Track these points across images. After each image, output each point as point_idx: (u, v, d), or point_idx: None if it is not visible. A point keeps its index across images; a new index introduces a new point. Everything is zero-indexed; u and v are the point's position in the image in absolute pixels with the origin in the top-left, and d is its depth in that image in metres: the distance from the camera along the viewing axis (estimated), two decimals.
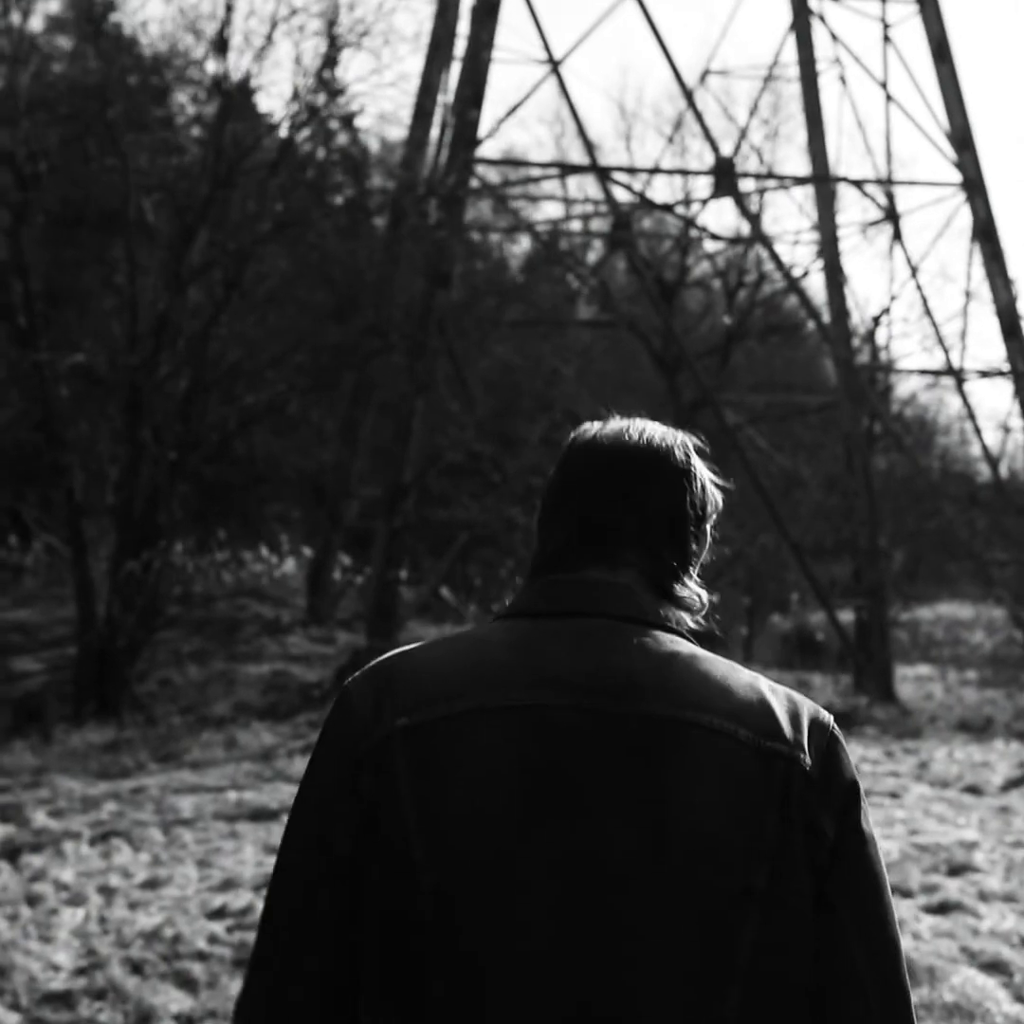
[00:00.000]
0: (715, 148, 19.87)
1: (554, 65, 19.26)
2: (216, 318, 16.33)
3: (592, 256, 26.30)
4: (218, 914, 8.27)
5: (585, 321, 25.35)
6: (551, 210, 27.49)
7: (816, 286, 30.54)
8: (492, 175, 22.14)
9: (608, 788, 1.87)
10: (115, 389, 16.82)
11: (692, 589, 2.12)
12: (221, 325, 16.51)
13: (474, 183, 19.32)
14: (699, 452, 2.19)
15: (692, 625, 2.11)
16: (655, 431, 2.16)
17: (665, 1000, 1.84)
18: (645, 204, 21.50)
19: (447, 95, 20.08)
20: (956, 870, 9.36)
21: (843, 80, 21.68)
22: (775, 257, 20.88)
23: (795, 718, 1.96)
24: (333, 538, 21.59)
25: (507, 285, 22.78)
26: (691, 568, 2.12)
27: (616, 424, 2.19)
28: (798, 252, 42.83)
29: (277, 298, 17.92)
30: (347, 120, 27.16)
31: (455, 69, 20.38)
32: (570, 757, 1.88)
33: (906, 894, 8.71)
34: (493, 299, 20.01)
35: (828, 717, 2.01)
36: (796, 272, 23.05)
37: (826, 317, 21.72)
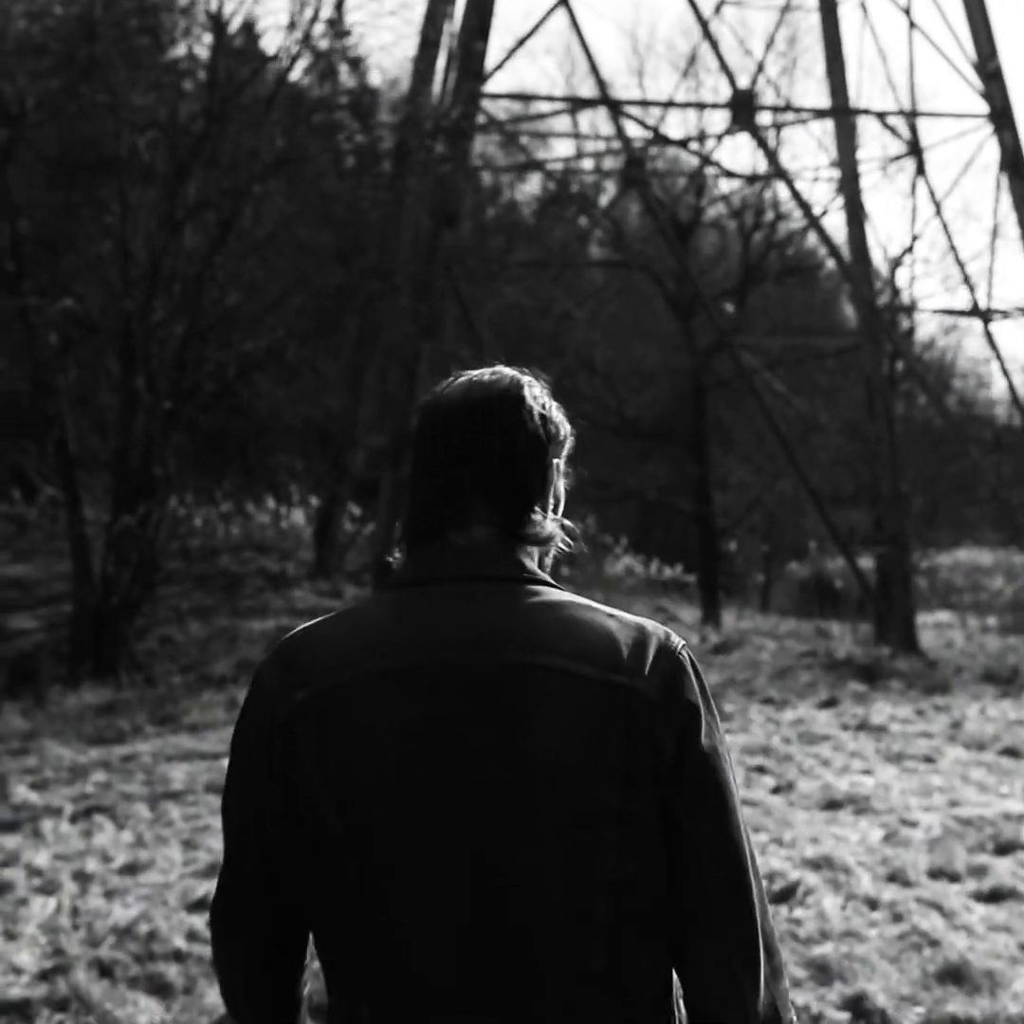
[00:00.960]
0: (732, 80, 18.85)
1: None
2: (211, 260, 15.42)
3: (604, 197, 25.27)
4: (199, 905, 7.46)
5: (597, 262, 24.41)
6: (561, 149, 26.46)
7: (835, 225, 29.55)
8: (500, 114, 21.12)
9: (475, 731, 2.10)
10: (108, 335, 15.95)
11: (544, 523, 2.25)
12: (217, 268, 15.59)
13: (480, 118, 18.32)
14: (534, 384, 2.30)
15: (550, 552, 2.30)
16: (485, 379, 2.28)
17: (543, 912, 2.08)
18: (659, 140, 20.48)
19: (452, 25, 19.04)
20: (1004, 848, 8.52)
21: (864, 8, 20.59)
22: (795, 193, 19.87)
23: (640, 648, 2.14)
24: (339, 488, 20.73)
25: (516, 225, 21.76)
26: (541, 503, 2.25)
27: (454, 381, 2.31)
28: (817, 190, 41.74)
29: (277, 240, 16.97)
30: (354, 62, 26.20)
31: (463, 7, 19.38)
32: (441, 707, 2.11)
33: (954, 877, 7.89)
34: (501, 239, 19.04)
35: (677, 643, 2.19)
36: (816, 210, 22.03)
37: (846, 256, 20.72)
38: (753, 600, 29.71)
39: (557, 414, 2.32)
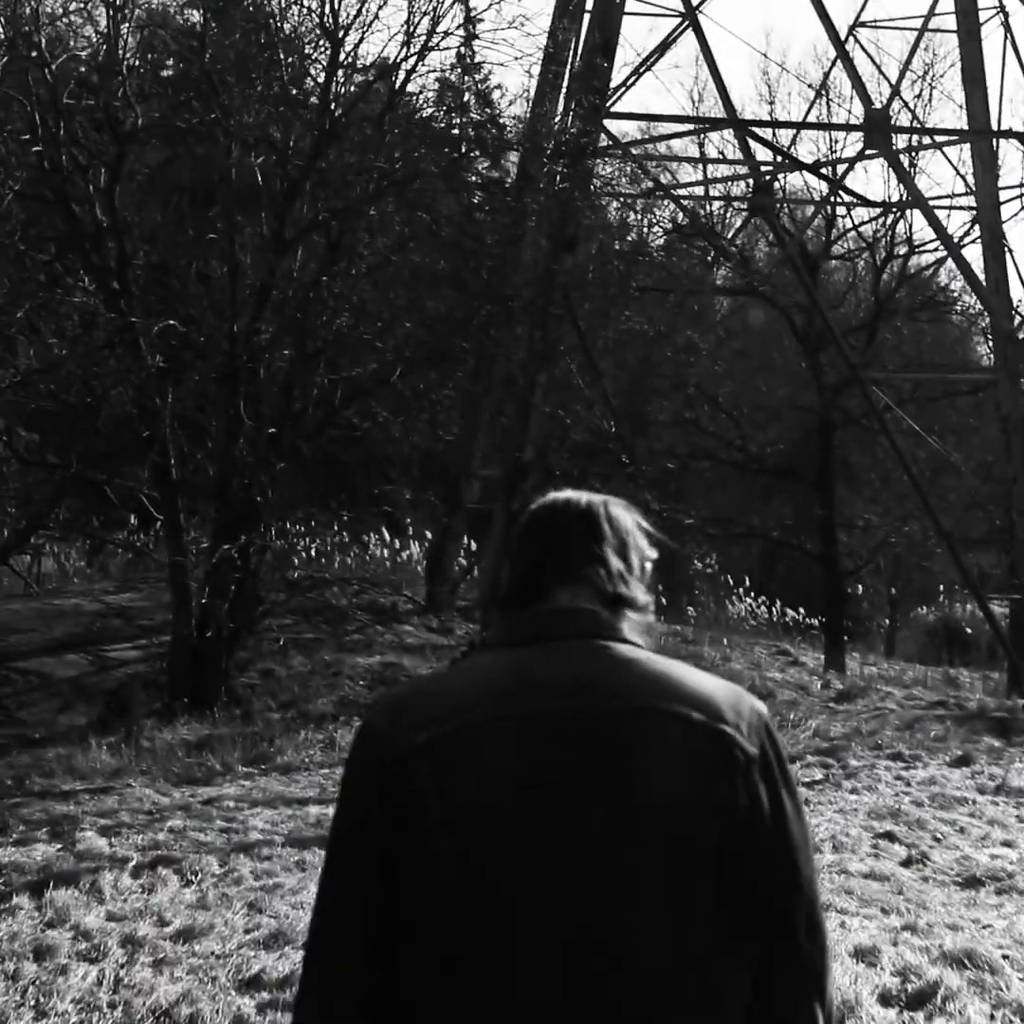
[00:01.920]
0: (867, 101, 17.72)
1: (691, 12, 17.27)
2: (319, 282, 14.60)
3: (731, 227, 24.19)
4: (250, 985, 6.52)
5: (722, 290, 23.27)
6: (687, 175, 25.41)
7: (972, 255, 28.14)
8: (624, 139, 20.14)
9: (586, 770, 2.24)
10: (212, 358, 15.19)
11: (641, 594, 2.47)
12: (325, 290, 14.76)
13: (603, 140, 17.37)
14: (621, 505, 2.56)
15: (641, 626, 2.46)
16: (590, 494, 2.56)
17: (647, 940, 2.21)
18: (788, 163, 19.38)
19: (577, 43, 18.13)
20: None
21: (1007, 27, 19.38)
22: (931, 220, 18.67)
23: (737, 704, 2.33)
24: (453, 521, 19.82)
25: (637, 250, 20.72)
26: (636, 578, 2.48)
27: (555, 494, 2.58)
28: (953, 219, 40.23)
29: (390, 263, 16.12)
30: (482, 96, 25.43)
31: (587, 23, 18.48)
32: (555, 749, 2.25)
33: None
34: (621, 264, 18.03)
35: (762, 706, 2.39)
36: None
37: (984, 287, 19.46)
38: (878, 645, 28.37)
39: (642, 536, 2.54)
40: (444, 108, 19.44)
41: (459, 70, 25.23)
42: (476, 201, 17.69)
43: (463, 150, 20.21)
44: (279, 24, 16.36)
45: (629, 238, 22.71)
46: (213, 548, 14.91)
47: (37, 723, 14.90)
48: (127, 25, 16.41)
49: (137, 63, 19.52)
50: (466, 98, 22.95)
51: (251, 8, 17.79)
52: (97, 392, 15.49)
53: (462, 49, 27.09)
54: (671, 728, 2.25)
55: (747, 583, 27.22)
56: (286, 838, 9.60)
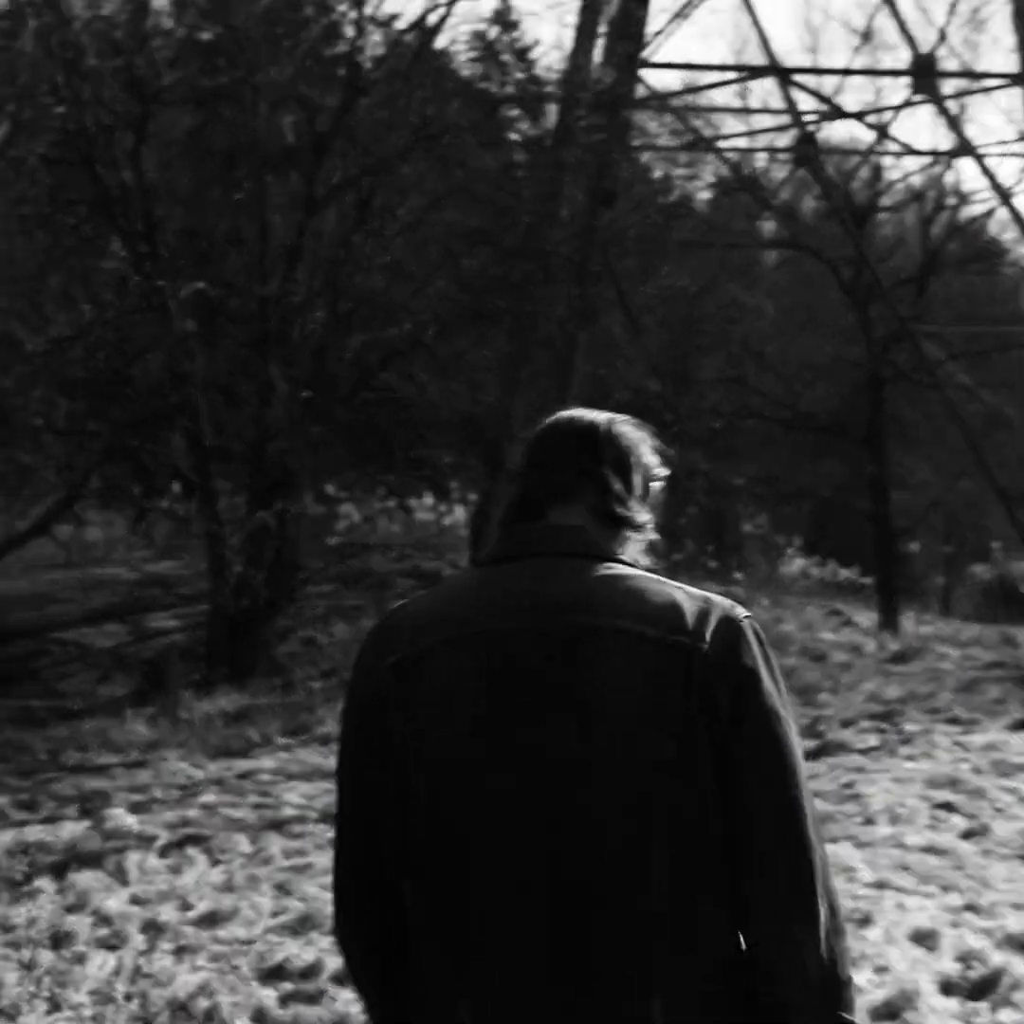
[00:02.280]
0: (913, 45, 17.13)
1: None
2: (349, 241, 14.20)
3: (774, 179, 23.55)
4: (275, 974, 6.18)
5: (766, 243, 22.68)
6: (728, 127, 24.75)
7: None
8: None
9: (545, 686, 2.26)
10: (243, 321, 14.84)
11: (639, 512, 2.45)
12: (356, 250, 14.35)
13: (640, 91, 16.84)
14: (629, 423, 2.53)
15: (640, 545, 2.46)
16: (588, 412, 2.53)
17: (606, 857, 2.20)
18: (834, 112, 18.79)
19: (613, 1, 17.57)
20: None
21: None
22: (983, 167, 18.09)
23: (703, 615, 2.28)
24: (494, 485, 19.39)
25: (678, 204, 20.13)
26: (636, 497, 2.45)
27: (562, 413, 2.56)
28: (1004, 168, 39.36)
29: (424, 221, 15.69)
30: (520, 53, 24.89)
31: None
32: (515, 666, 2.28)
33: None
34: (660, 217, 17.49)
35: (740, 613, 2.33)
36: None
37: None
38: (933, 604, 27.82)
39: (649, 451, 2.51)
40: (480, 64, 18.98)
41: (498, 27, 24.73)
42: (513, 157, 17.19)
43: (500, 107, 19.74)
44: None
45: (671, 194, 22.15)
46: (248, 515, 14.60)
47: (75, 694, 14.66)
48: None
49: (170, 25, 19.20)
50: (503, 56, 22.48)
51: None
52: (127, 358, 15.19)
53: (498, 6, 26.55)
54: (622, 644, 2.25)
55: (798, 543, 26.77)
56: (320, 813, 9.25)
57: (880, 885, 7.61)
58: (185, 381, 14.27)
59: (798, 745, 2.28)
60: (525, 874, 2.21)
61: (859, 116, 19.72)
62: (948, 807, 9.48)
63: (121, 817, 9.13)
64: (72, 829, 8.87)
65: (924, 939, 6.62)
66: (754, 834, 2.22)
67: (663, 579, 2.35)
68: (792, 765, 2.25)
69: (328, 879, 7.12)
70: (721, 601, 2.33)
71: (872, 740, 12.15)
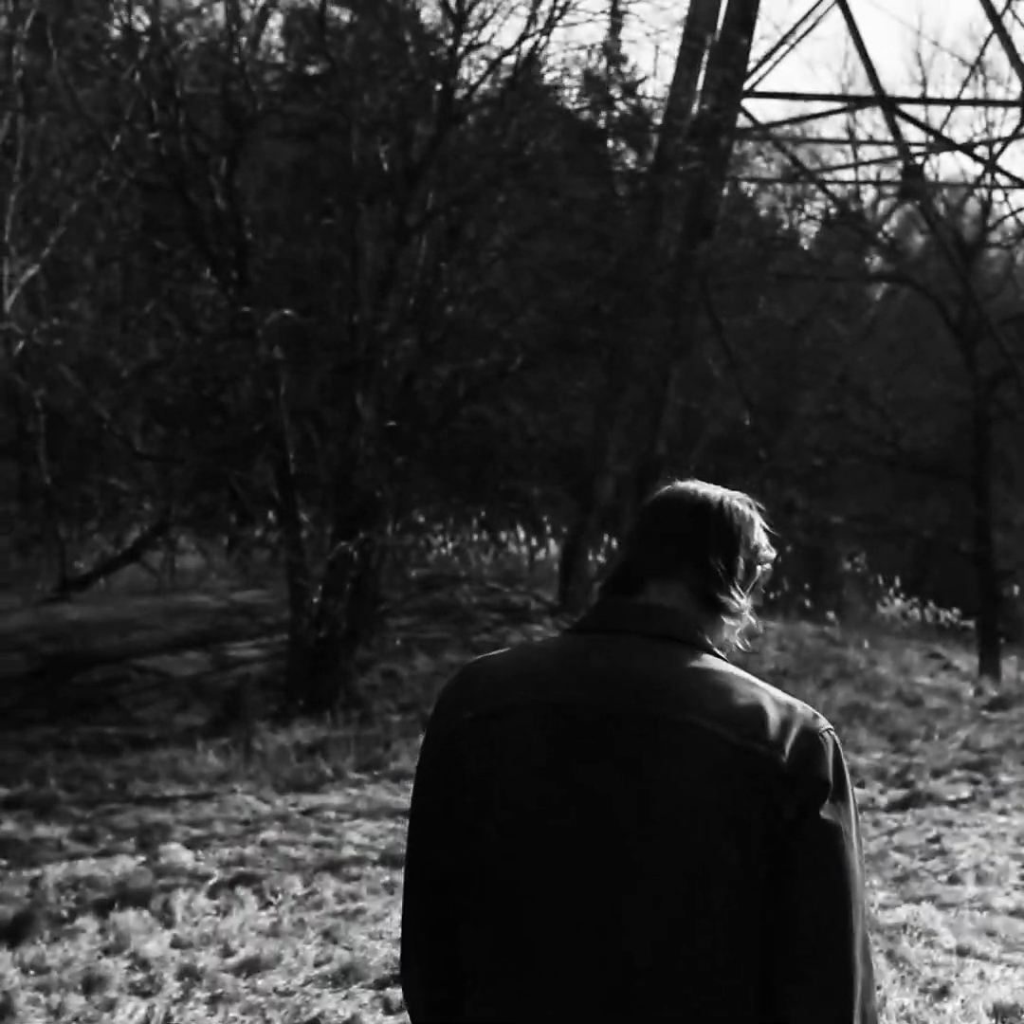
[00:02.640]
0: (1022, 74, 16.56)
1: None
2: (438, 270, 13.91)
3: (880, 212, 22.99)
4: None
5: (869, 276, 22.08)
6: (833, 159, 24.18)
7: None
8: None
9: (608, 772, 2.23)
10: (332, 348, 14.61)
11: (739, 599, 2.40)
12: (445, 278, 14.07)
13: (742, 121, 16.42)
14: (745, 502, 2.50)
15: (735, 631, 2.44)
16: (703, 486, 2.48)
17: (654, 938, 2.19)
18: (941, 144, 18.23)
19: (716, 23, 17.18)
20: None
21: None
22: None
23: (786, 724, 2.23)
24: (587, 519, 19.01)
25: (774, 233, 19.61)
26: (738, 581, 2.40)
27: (679, 484, 2.53)
28: None
29: (517, 250, 15.37)
30: (629, 88, 24.57)
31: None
32: (584, 742, 2.25)
33: None
34: (758, 248, 17.03)
35: (823, 726, 2.28)
36: None
37: None
38: None
39: (759, 531, 2.47)
40: (588, 99, 18.63)
41: (605, 61, 24.45)
42: (613, 187, 16.85)
43: (608, 141, 19.40)
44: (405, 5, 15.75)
45: (775, 227, 21.65)
46: (331, 545, 14.33)
47: (153, 723, 14.45)
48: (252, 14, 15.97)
49: (281, 59, 19.14)
50: (612, 90, 22.14)
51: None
52: (217, 384, 15.03)
53: (607, 40, 26.23)
54: (699, 742, 2.22)
55: (899, 583, 26.08)
56: (381, 855, 8.92)
57: (961, 951, 7.12)
58: (270, 408, 14.06)
59: (860, 866, 2.25)
60: (579, 944, 2.21)
61: (967, 148, 19.13)
62: None
63: (177, 853, 8.86)
64: (125, 865, 8.61)
65: (1006, 1015, 6.13)
66: (799, 947, 2.20)
67: (752, 679, 2.32)
68: (849, 884, 2.22)
69: (378, 927, 6.77)
70: (804, 710, 2.29)
71: (964, 791, 11.61)
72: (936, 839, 9.68)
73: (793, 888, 2.18)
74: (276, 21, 18.94)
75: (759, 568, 2.45)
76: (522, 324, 14.79)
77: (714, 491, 2.45)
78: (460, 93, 14.67)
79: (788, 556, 24.95)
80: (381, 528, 14.15)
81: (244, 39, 15.39)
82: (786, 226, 21.88)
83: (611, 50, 25.39)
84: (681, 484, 2.49)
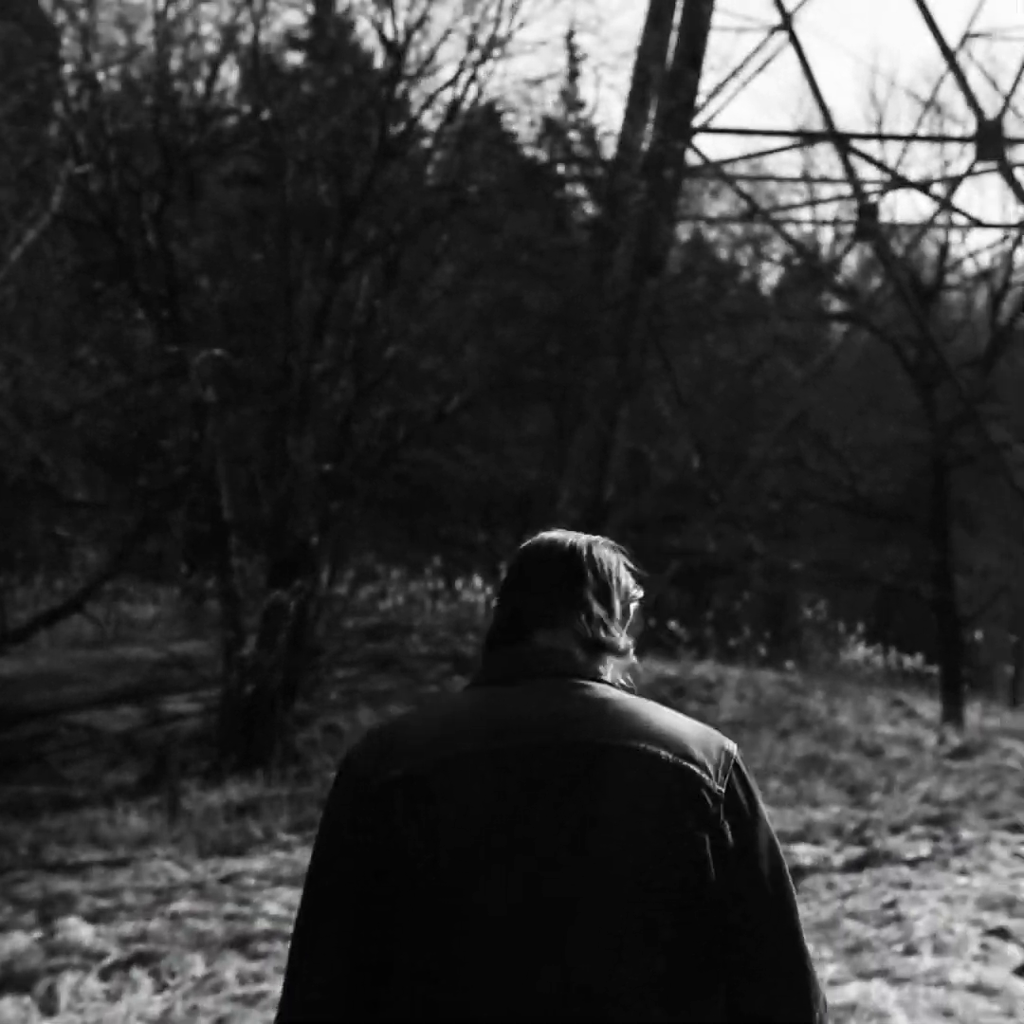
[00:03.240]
0: (979, 112, 16.11)
1: (786, 21, 15.79)
2: (373, 307, 13.32)
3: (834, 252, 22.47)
4: None
5: (823, 316, 21.54)
6: (789, 201, 23.63)
7: None
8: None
9: (555, 805, 2.26)
10: (266, 390, 13.98)
11: (622, 639, 2.46)
12: (380, 316, 13.47)
13: (695, 159, 15.87)
14: (607, 546, 2.55)
15: (621, 669, 2.47)
16: (568, 534, 2.54)
17: (610, 971, 2.24)
18: (895, 181, 17.73)
19: (666, 64, 16.68)
20: None
21: None
22: None
23: (706, 744, 2.35)
24: None
25: (724, 273, 19.03)
26: (617, 622, 2.47)
27: (541, 535, 2.57)
28: None
29: (461, 288, 14.79)
30: (587, 133, 24.13)
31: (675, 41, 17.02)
32: (521, 783, 2.27)
33: None
34: (705, 282, 16.46)
35: (733, 746, 2.40)
36: None
37: None
38: (1001, 695, 26.40)
39: (626, 573, 2.52)
40: (536, 135, 18.11)
41: (563, 107, 24.00)
42: (560, 224, 16.28)
43: (556, 177, 18.86)
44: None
45: (735, 270, 21.09)
46: (265, 593, 13.66)
47: (80, 782, 13.72)
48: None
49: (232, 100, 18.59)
50: (568, 133, 21.65)
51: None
52: (146, 427, 14.39)
53: (565, 87, 25.78)
54: (638, 764, 2.29)
55: (861, 629, 25.53)
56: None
57: None
58: (199, 450, 13.41)
59: (787, 868, 2.38)
60: (529, 977, 2.23)
61: (923, 187, 18.65)
62: (1002, 934, 8.30)
63: (76, 928, 8.15)
64: (17, 942, 7.89)
65: None
66: (759, 954, 2.30)
67: (660, 706, 2.40)
68: (790, 890, 2.36)
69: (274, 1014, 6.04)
70: (716, 732, 2.41)
71: (923, 849, 10.97)
72: (892, 904, 9.03)
73: (741, 897, 2.29)
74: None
75: (631, 607, 2.51)
76: (463, 364, 14.18)
77: (580, 538, 2.51)
78: (399, 127, 14.13)
79: (748, 603, 24.41)
80: (316, 577, 13.47)
81: (180, 79, 14.84)
82: (744, 266, 21.32)
83: (569, 96, 24.99)
84: (547, 534, 2.53)
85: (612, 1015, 2.23)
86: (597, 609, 2.43)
